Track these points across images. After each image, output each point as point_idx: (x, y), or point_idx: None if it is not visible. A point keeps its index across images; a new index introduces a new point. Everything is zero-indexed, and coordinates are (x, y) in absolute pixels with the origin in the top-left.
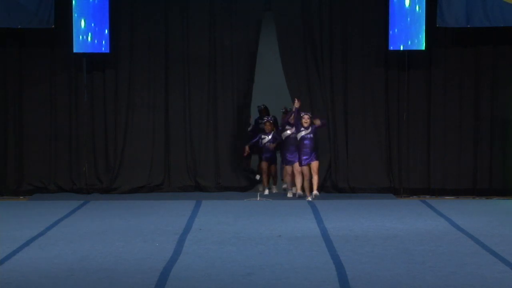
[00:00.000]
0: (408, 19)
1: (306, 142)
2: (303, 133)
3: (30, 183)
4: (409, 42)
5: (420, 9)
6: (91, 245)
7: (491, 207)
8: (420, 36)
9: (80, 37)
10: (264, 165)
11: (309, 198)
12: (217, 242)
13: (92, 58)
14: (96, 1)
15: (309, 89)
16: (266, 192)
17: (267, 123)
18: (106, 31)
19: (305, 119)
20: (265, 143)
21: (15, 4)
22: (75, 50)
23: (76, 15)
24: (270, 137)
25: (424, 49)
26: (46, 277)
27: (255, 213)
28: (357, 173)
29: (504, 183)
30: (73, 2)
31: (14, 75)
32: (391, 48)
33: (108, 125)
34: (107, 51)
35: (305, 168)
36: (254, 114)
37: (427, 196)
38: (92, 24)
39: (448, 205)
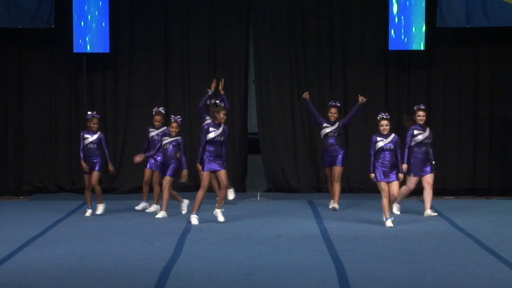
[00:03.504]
0: (408, 19)
1: (332, 141)
2: (327, 129)
3: (30, 183)
4: (409, 42)
5: (419, 9)
6: (91, 245)
7: (491, 207)
8: (420, 36)
9: (80, 37)
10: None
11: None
12: (217, 242)
13: (92, 58)
14: (96, 1)
15: (307, 89)
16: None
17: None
18: (106, 31)
19: (332, 113)
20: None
21: (15, 4)
22: (75, 50)
23: (76, 15)
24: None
25: (424, 49)
26: (46, 277)
27: (255, 213)
28: (357, 173)
29: (504, 183)
30: (73, 2)
31: (14, 75)
32: (391, 48)
33: (108, 125)
34: (107, 51)
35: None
36: (252, 115)
37: None
38: (92, 24)
39: (448, 205)
